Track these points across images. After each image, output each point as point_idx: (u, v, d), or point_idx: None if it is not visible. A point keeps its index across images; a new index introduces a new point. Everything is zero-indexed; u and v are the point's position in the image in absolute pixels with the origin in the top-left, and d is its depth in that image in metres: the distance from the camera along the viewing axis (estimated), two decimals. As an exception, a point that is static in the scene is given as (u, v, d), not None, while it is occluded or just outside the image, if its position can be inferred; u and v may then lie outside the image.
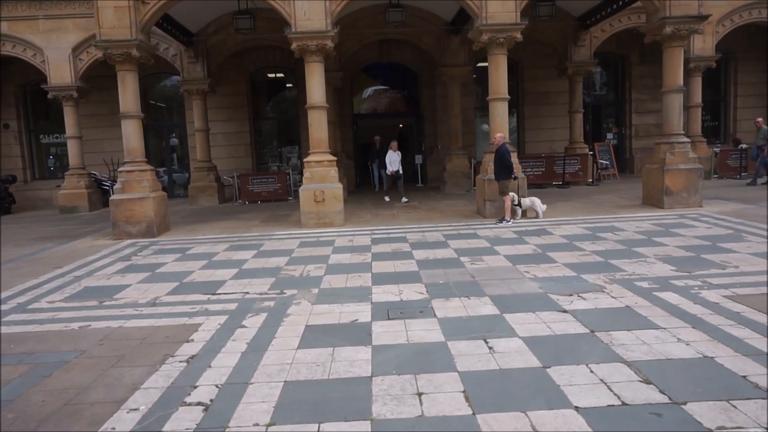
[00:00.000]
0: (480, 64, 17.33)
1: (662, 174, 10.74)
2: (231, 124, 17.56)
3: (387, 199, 14.11)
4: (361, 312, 5.22)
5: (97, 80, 15.40)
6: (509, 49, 10.80)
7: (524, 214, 10.51)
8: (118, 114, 10.45)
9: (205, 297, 6.06)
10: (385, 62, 17.98)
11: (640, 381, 3.51)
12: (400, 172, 14.16)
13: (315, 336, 4.65)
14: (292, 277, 6.81)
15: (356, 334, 4.65)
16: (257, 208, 14.34)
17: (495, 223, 9.87)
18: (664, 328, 4.40)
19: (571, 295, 5.45)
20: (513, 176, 9.93)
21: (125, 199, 10.30)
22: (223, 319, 5.23)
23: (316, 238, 9.41)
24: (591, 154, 16.02)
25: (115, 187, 10.57)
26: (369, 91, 19.20)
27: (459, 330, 4.60)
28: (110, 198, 10.46)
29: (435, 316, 5.01)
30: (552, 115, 17.91)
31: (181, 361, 4.22)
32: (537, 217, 10.29)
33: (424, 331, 4.61)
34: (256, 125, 18.40)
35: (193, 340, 4.68)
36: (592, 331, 4.41)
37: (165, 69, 16.29)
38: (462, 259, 7.30)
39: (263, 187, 15.57)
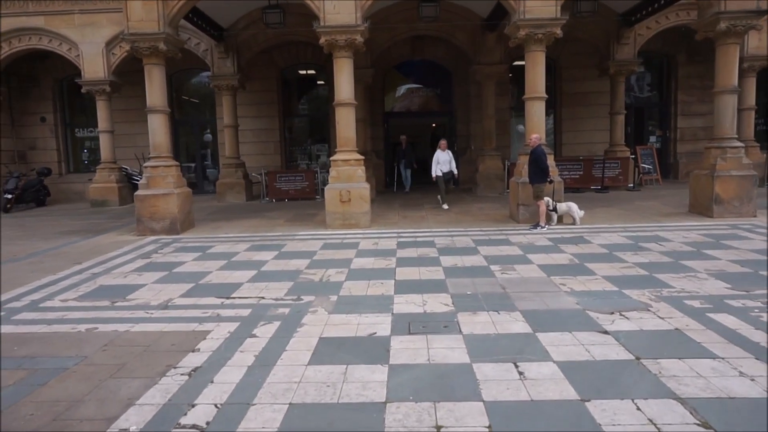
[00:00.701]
0: (516, 63, 16.79)
1: (712, 181, 10.00)
2: (261, 121, 17.41)
3: (445, 206, 12.38)
4: (381, 324, 4.83)
5: (130, 75, 15.41)
6: (548, 46, 10.24)
7: (560, 220, 9.93)
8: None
9: (218, 301, 5.77)
10: (417, 60, 17.55)
11: (698, 425, 3.01)
12: (455, 172, 12.84)
13: (328, 350, 4.28)
14: (311, 281, 6.47)
15: (373, 349, 4.26)
16: (284, 207, 14.11)
17: (528, 229, 9.35)
18: (723, 358, 3.86)
19: (612, 313, 4.94)
20: (548, 180, 9.39)
21: (149, 195, 10.17)
22: (234, 326, 4.92)
23: (340, 240, 9.07)
24: (633, 158, 15.22)
25: (140, 182, 10.44)
26: (402, 89, 18.78)
27: (486, 350, 4.16)
28: (135, 193, 10.35)
29: (460, 332, 4.58)
30: (591, 117, 17.15)
31: (182, 374, 3.91)
32: (574, 223, 9.71)
33: (447, 350, 4.19)
34: (286, 122, 18.23)
35: (199, 350, 4.37)
36: (638, 358, 3.91)
37: (197, 65, 16.24)
38: (492, 267, 6.83)
39: (291, 185, 15.35)
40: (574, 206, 9.77)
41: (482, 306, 5.27)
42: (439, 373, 3.79)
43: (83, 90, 14.86)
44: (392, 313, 5.15)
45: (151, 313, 5.43)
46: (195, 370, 3.98)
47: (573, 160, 15.23)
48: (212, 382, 3.76)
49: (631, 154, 15.46)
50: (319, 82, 18.43)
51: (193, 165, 18.82)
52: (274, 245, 8.79)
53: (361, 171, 10.30)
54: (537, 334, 4.47)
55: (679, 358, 3.88)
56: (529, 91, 10.24)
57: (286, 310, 5.35)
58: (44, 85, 17.36)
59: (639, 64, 15.22)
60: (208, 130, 18.67)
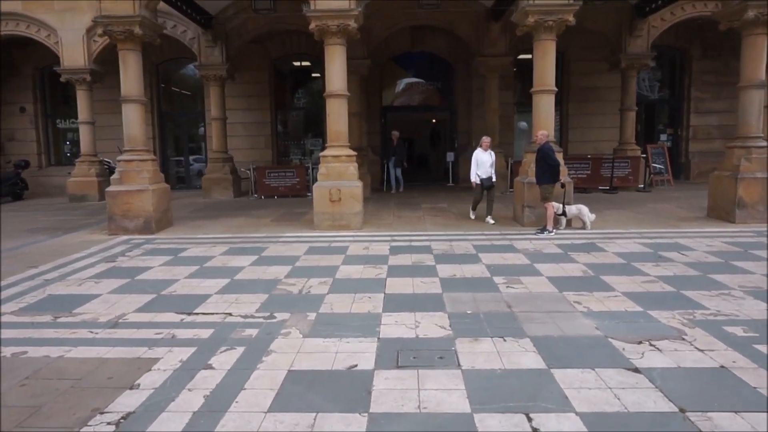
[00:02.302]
0: (521, 56, 15.94)
1: (735, 183, 9.18)
2: (251, 114, 16.57)
3: (473, 216, 10.23)
4: (363, 354, 4.02)
5: (112, 64, 14.35)
6: (558, 35, 9.41)
7: (568, 224, 9.12)
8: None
9: (178, 318, 4.96)
10: (416, 51, 16.69)
11: None
12: (494, 179, 9.87)
13: (296, 390, 3.47)
14: (288, 294, 5.66)
15: (351, 390, 3.45)
16: (272, 204, 13.29)
17: (535, 233, 8.54)
18: (790, 413, 3.06)
19: (640, 342, 4.13)
20: (559, 181, 8.57)
21: (122, 191, 9.36)
22: (188, 353, 4.11)
23: (327, 243, 8.26)
24: (644, 157, 14.39)
25: (112, 177, 9.62)
26: (401, 84, 17.90)
27: (491, 393, 3.35)
28: (106, 189, 9.53)
29: (459, 365, 3.77)
30: (600, 113, 16.32)
31: (109, 423, 3.10)
32: (584, 228, 8.89)
33: (442, 392, 3.38)
34: (279, 116, 17.38)
35: (138, 386, 3.56)
36: (682, 410, 3.10)
37: (185, 54, 15.38)
38: (495, 279, 6.02)
39: (281, 182, 14.52)
40: (584, 209, 8.95)
41: (485, 330, 4.46)
42: (432, 427, 2.98)
43: (62, 79, 14.03)
44: (378, 338, 4.34)
45: (96, 333, 4.61)
46: (125, 417, 3.17)
47: (580, 159, 14.38)
48: (142, 437, 2.96)
49: (642, 153, 14.61)
50: (314, 75, 17.57)
51: (182, 159, 18.00)
52: (254, 248, 7.97)
53: (353, 168, 9.47)
54: (552, 370, 3.66)
55: (735, 412, 3.07)
56: (538, 83, 9.41)
57: (254, 332, 4.53)
58: (24, 73, 16.51)
59: (652, 57, 14.31)
60: (203, 124, 17.83)
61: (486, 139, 9.96)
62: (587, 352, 3.96)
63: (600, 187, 13.96)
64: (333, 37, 9.02)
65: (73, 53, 13.73)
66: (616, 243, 7.85)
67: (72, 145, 17.62)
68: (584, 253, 7.26)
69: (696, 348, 4.00)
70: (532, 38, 9.51)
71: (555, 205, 8.64)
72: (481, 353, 3.98)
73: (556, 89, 9.51)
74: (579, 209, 8.93)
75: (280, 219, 10.84)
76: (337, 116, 9.35)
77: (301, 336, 4.43)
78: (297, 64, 17.41)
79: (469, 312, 4.92)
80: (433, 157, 23.16)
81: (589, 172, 13.98)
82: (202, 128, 17.61)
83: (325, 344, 4.23)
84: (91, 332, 4.64)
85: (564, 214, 8.82)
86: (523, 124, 17.08)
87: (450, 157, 17.19)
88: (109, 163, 15.49)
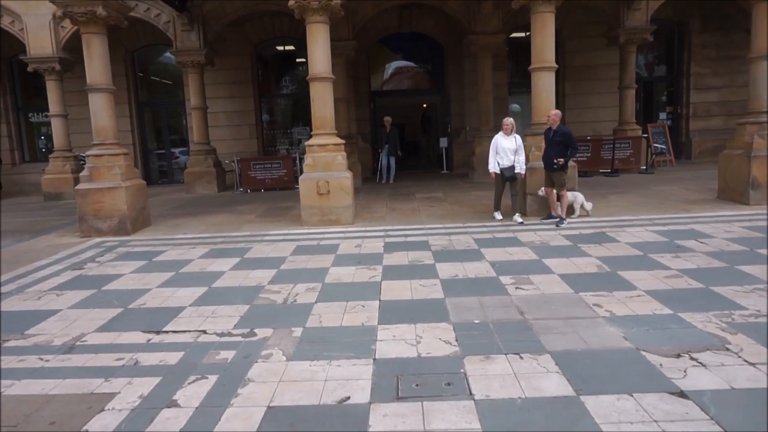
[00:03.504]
0: (514, 35, 15.28)
1: (748, 162, 8.63)
2: (234, 102, 15.80)
3: (498, 216, 8.51)
4: (357, 381, 3.41)
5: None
6: (557, 7, 8.76)
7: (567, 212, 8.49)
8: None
9: (144, 338, 4.32)
10: (405, 32, 15.95)
11: None
12: (519, 168, 8.27)
13: (276, 436, 2.86)
14: (271, 304, 5.03)
15: (343, 433, 2.85)
16: (258, 198, 12.61)
17: (542, 221, 7.90)
18: None
19: (678, 356, 3.55)
20: (556, 165, 7.90)
21: (93, 189, 8.65)
22: (151, 384, 3.49)
23: (316, 242, 7.62)
24: (645, 137, 13.80)
25: (81, 174, 8.91)
26: (390, 69, 17.11)
27: (513, 434, 2.77)
28: (76, 188, 8.82)
29: (470, 394, 3.17)
30: (596, 92, 15.71)
31: (40, 492, 2.48)
32: (577, 215, 8.27)
33: (454, 433, 2.79)
34: (264, 104, 16.61)
35: (85, 435, 2.94)
36: (751, 452, 2.52)
37: (162, 40, 14.55)
38: (502, 279, 5.42)
39: (267, 174, 13.81)
40: (580, 197, 8.34)
41: (497, 344, 3.86)
42: (445, 490, 2.39)
43: (30, 68, 13.21)
44: (374, 359, 3.73)
45: (47, 360, 3.98)
46: (62, 482, 2.55)
47: (580, 141, 13.49)
48: None
49: (643, 133, 14.03)
50: (300, 60, 16.76)
51: (163, 152, 17.22)
52: (237, 250, 7.33)
53: (341, 157, 8.81)
54: (582, 398, 3.07)
55: (816, 452, 2.50)
56: (536, 60, 8.77)
57: (230, 355, 3.91)
58: (-10, 65, 15.59)
59: (651, 31, 13.65)
60: (186, 114, 17.00)
61: (508, 121, 8.35)
62: (619, 371, 3.38)
63: (600, 170, 13.38)
64: (314, 14, 8.29)
65: (40, 40, 12.89)
66: (627, 231, 7.27)
67: (47, 140, 16.74)
68: (595, 244, 6.68)
69: (746, 361, 3.43)
70: (529, 12, 8.86)
71: (541, 190, 8.11)
72: (496, 376, 3.39)
73: (556, 66, 8.90)
74: (575, 196, 8.31)
75: (265, 215, 10.18)
76: (322, 101, 8.66)
77: (285, 359, 3.81)
78: (281, 48, 16.59)
79: (476, 321, 4.32)
80: (425, 144, 22.48)
81: (589, 154, 13.38)
82: (186, 119, 16.82)
83: (312, 369, 3.62)
84: (41, 359, 4.00)
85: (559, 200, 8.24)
86: (515, 107, 16.42)
87: (443, 142, 16.51)
88: (84, 158, 14.67)
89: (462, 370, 3.49)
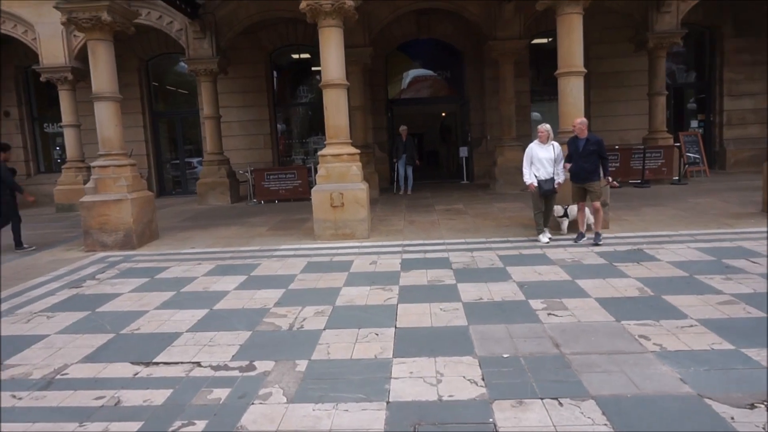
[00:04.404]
0: (535, 41, 14.75)
1: (797, 173, 7.95)
2: (248, 111, 15.48)
3: (545, 238, 7.37)
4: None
5: (97, 61, 13.53)
6: (585, 9, 8.25)
7: (571, 227, 7.83)
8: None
9: (131, 371, 3.87)
10: (423, 39, 15.48)
11: None
12: (558, 180, 7.32)
13: (267, 507, 2.36)
14: (276, 331, 4.55)
15: (349, 505, 2.33)
16: (271, 210, 12.20)
17: (575, 242, 7.24)
18: None
19: (752, 406, 2.97)
20: (555, 184, 7.31)
21: (98, 201, 8.31)
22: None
23: (328, 258, 7.14)
24: (677, 147, 13.10)
25: (86, 186, 8.58)
26: (408, 77, 16.64)
27: None
28: (80, 200, 8.49)
29: (504, 454, 2.64)
30: (623, 100, 15.05)
31: None
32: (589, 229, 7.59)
33: None
34: (279, 113, 16.28)
35: (44, 499, 2.47)
36: None
37: (176, 49, 14.34)
38: (532, 303, 4.87)
39: (281, 184, 13.41)
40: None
41: (531, 385, 3.32)
42: None
43: (42, 78, 13.07)
44: (387, 402, 3.22)
45: (20, 399, 3.54)
46: None
47: (608, 151, 13.04)
48: None
49: (674, 142, 13.32)
50: (316, 69, 16.39)
51: (177, 162, 16.98)
52: (244, 266, 6.88)
53: (356, 168, 8.34)
54: (641, 463, 2.51)
55: None
56: (563, 64, 8.24)
57: (224, 394, 3.43)
58: (5, 74, 15.50)
59: (682, 35, 12.98)
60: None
61: (544, 128, 7.35)
62: (683, 427, 2.81)
63: (630, 181, 12.70)
64: (327, 18, 7.87)
65: (52, 50, 12.74)
66: (667, 249, 6.65)
67: (62, 151, 16.59)
68: (633, 263, 6.07)
69: (836, 415, 2.84)
70: (553, 14, 8.37)
71: (556, 208, 7.51)
72: (532, 430, 2.84)
73: (585, 70, 8.34)
74: (575, 210, 7.64)
75: (277, 227, 9.74)
76: (336, 109, 8.22)
77: (285, 400, 3.31)
78: (296, 56, 16.27)
79: (505, 356, 3.78)
80: (444, 153, 21.98)
81: (617, 164, 12.71)
82: (201, 129, 16.57)
83: (316, 414, 3.12)
84: (15, 396, 3.56)
85: (566, 215, 7.61)
86: (536, 114, 15.85)
87: (463, 152, 15.97)
88: (97, 168, 14.47)
89: (491, 420, 2.96)
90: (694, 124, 15.64)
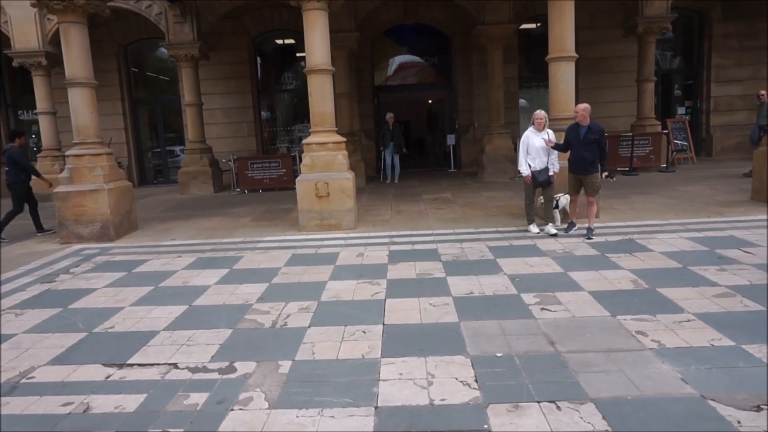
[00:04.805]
0: (524, 26, 14.54)
1: (788, 160, 7.87)
2: (231, 98, 15.10)
3: (535, 229, 7.20)
4: (354, 441, 2.72)
5: (72, 46, 13.04)
6: (577, -8, 8.04)
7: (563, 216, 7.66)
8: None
9: (103, 373, 3.64)
10: (411, 24, 15.18)
11: None
12: (553, 171, 7.09)
13: None
14: (258, 329, 4.34)
15: None
16: (255, 199, 11.92)
17: (566, 232, 7.06)
18: None
19: (758, 408, 2.83)
20: (550, 174, 7.10)
21: (73, 191, 7.99)
22: (98, 443, 2.81)
23: (314, 250, 6.92)
24: (665, 134, 13.02)
25: (60, 175, 8.24)
26: (394, 64, 16.33)
27: None
28: (55, 190, 8.15)
29: (500, 465, 2.47)
30: (611, 86, 14.92)
31: None
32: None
33: None
34: (263, 100, 15.91)
35: None
36: None
37: (156, 34, 13.86)
38: (525, 297, 4.71)
39: (265, 173, 13.11)
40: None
41: (526, 387, 3.15)
42: None
43: (14, 63, 12.55)
44: (376, 407, 3.03)
45: (-19, 406, 3.30)
46: None
47: (596, 138, 12.97)
48: None
49: (662, 128, 13.25)
50: (301, 55, 16.03)
51: (159, 151, 16.56)
52: (226, 259, 6.64)
53: (342, 157, 8.10)
54: (646, 473, 2.36)
55: None
56: (554, 49, 8.03)
57: (202, 399, 3.22)
58: (-24, 60, 14.94)
59: (672, 20, 12.83)
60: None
61: (541, 114, 7.03)
62: (685, 429, 2.66)
63: (618, 169, 12.61)
64: (312, 0, 7.57)
65: (25, 34, 12.24)
66: (658, 239, 6.53)
67: (38, 139, 16.07)
68: (625, 254, 5.95)
69: None
70: (545, -1, 8.12)
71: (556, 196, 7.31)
72: (530, 437, 2.68)
73: (576, 55, 8.14)
74: (568, 200, 7.47)
75: (261, 218, 9.49)
76: (321, 96, 7.95)
77: (267, 405, 3.11)
78: (280, 42, 15.87)
79: (499, 355, 3.61)
80: (431, 141, 21.76)
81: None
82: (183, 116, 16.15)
83: (300, 421, 2.92)
84: (-24, 404, 3.32)
85: (557, 206, 7.38)
86: (523, 102, 15.67)
87: (450, 140, 15.77)
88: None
89: (485, 426, 2.79)
90: (681, 110, 15.58)
